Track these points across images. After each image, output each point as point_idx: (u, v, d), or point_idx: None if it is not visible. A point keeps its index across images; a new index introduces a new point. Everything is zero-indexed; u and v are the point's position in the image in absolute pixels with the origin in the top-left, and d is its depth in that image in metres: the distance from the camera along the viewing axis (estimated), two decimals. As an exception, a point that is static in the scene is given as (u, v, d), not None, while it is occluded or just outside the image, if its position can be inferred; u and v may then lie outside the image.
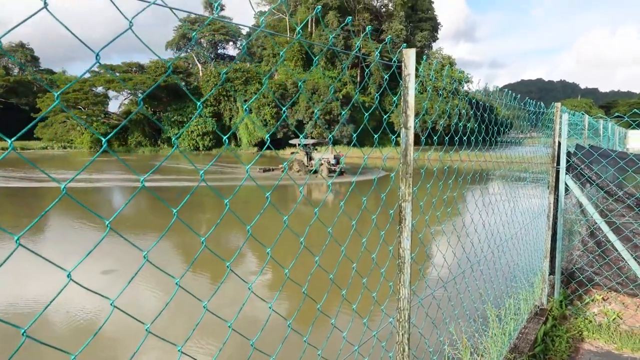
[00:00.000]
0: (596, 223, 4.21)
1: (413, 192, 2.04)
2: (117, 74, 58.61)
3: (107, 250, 12.10)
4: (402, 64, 2.03)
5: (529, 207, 4.48)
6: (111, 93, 58.71)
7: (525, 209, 4.31)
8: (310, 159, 28.17)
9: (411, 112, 2.02)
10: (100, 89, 57.10)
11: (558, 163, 4.27)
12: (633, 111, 4.21)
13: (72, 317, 7.56)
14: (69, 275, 1.04)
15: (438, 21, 73.17)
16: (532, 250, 5.11)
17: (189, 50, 75.02)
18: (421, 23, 69.93)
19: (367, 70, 34.71)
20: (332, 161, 27.50)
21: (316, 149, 30.00)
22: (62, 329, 7.14)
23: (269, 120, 54.61)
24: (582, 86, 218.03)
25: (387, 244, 2.35)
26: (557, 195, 4.27)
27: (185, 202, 1.49)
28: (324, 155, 27.91)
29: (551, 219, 4.23)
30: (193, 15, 71.44)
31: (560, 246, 4.36)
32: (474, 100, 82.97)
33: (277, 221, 15.28)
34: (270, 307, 1.61)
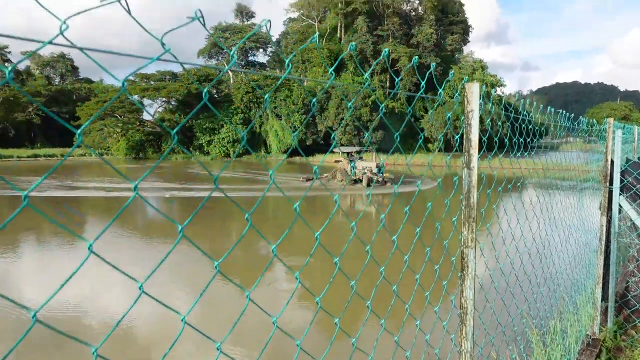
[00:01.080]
0: None
1: (476, 236, 1.91)
2: (152, 83, 60.31)
3: (134, 255, 12.37)
4: (465, 99, 1.92)
5: (569, 217, 4.28)
6: (146, 101, 60.45)
7: (564, 219, 4.11)
8: (353, 168, 26.88)
9: (475, 152, 1.90)
10: (136, 97, 58.93)
11: (611, 183, 3.93)
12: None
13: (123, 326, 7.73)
14: (141, 288, 1.08)
15: (469, 24, 72.05)
16: (575, 266, 4.88)
17: (220, 59, 76.50)
18: (452, 26, 69.02)
19: (397, 81, 34.37)
20: (375, 170, 26.10)
21: (361, 158, 28.45)
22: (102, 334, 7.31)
23: (299, 127, 54.98)
24: (622, 89, 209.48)
25: (440, 281, 2.24)
26: (611, 217, 3.94)
27: (190, 220, 1.45)
28: (368, 164, 26.38)
29: (604, 243, 3.92)
30: (224, 24, 72.97)
31: (614, 272, 4.06)
32: (506, 107, 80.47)
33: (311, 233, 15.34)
34: (298, 345, 1.52)
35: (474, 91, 1.85)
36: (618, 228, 3.96)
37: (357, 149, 29.05)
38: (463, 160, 1.94)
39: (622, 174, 3.94)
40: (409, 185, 25.57)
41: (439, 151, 63.19)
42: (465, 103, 1.90)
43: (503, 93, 78.46)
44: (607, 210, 3.96)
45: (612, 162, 3.94)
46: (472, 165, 1.89)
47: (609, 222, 3.95)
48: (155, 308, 8.21)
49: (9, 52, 79.59)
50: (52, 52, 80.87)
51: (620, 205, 3.91)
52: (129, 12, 0.94)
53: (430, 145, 65.09)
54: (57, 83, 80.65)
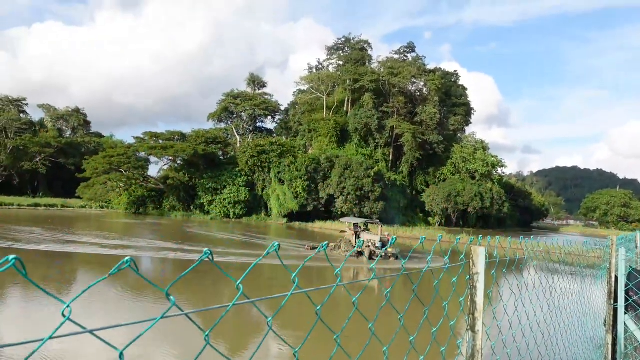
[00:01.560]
0: None
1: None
2: (161, 142, 61.74)
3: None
4: (471, 261, 1.92)
5: (570, 304, 4.22)
6: (152, 159, 61.58)
7: (567, 306, 4.05)
8: (358, 238, 25.48)
9: (479, 315, 1.84)
10: (142, 154, 60.08)
11: (616, 300, 3.88)
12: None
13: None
14: (121, 356, 1.07)
15: (471, 106, 74.86)
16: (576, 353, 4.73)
17: (229, 123, 78.84)
18: (455, 108, 71.67)
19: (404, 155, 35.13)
20: (378, 244, 24.32)
21: (367, 230, 27.11)
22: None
23: (301, 193, 55.36)
24: (621, 176, 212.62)
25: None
26: (616, 335, 3.87)
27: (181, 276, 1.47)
28: (372, 236, 25.02)
29: None
30: (236, 91, 75.94)
31: None
32: (506, 187, 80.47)
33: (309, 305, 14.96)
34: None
35: (479, 254, 1.89)
36: (624, 348, 3.85)
37: (363, 220, 28.03)
38: (467, 323, 1.87)
39: (627, 292, 3.89)
40: (413, 261, 24.81)
41: (439, 225, 63.08)
42: (471, 265, 1.90)
43: (503, 173, 79.72)
44: (612, 328, 3.89)
45: (617, 278, 3.93)
46: (476, 329, 1.83)
47: (614, 340, 3.87)
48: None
49: (26, 104, 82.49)
50: (67, 106, 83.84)
51: (625, 325, 3.83)
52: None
53: (430, 219, 65.10)
54: (68, 135, 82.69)
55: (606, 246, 3.97)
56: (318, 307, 1.56)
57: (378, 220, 28.79)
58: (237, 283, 1.24)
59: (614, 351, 3.88)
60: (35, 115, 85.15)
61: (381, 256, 23.60)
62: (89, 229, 33.36)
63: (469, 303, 1.84)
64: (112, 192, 59.47)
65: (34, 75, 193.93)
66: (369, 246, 23.86)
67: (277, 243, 1.31)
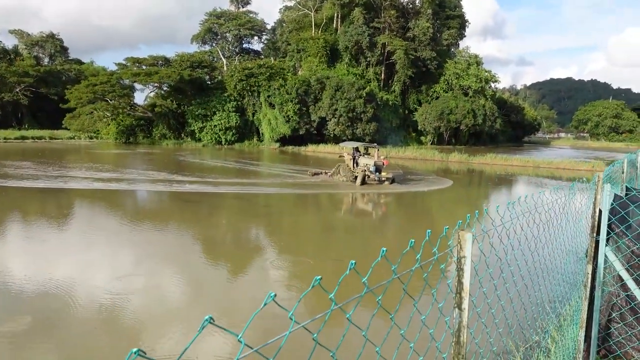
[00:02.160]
0: (638, 299, 4.03)
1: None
2: (144, 67, 59.40)
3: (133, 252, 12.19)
4: (458, 245, 1.99)
5: (555, 220, 4.19)
6: (137, 86, 59.61)
7: (549, 222, 4.02)
8: (356, 164, 24.51)
9: (466, 294, 2.00)
10: (126, 82, 58.02)
11: (598, 233, 4.06)
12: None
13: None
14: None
15: (466, 18, 71.79)
16: (559, 279, 4.83)
17: (214, 44, 75.54)
18: (448, 20, 68.71)
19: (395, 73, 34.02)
20: (372, 168, 23.52)
21: (368, 154, 25.87)
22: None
23: (292, 117, 54.56)
24: (614, 86, 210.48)
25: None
26: (596, 266, 4.10)
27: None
28: (370, 160, 24.07)
29: (588, 289, 4.09)
30: (219, 10, 71.97)
31: (598, 318, 4.23)
32: (499, 102, 79.99)
33: (303, 226, 14.91)
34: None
35: (467, 239, 1.98)
36: (603, 277, 4.13)
37: (362, 144, 26.87)
38: (455, 301, 2.03)
39: (609, 226, 4.07)
40: (409, 184, 24.76)
41: (431, 144, 63.26)
42: (458, 249, 2.00)
43: (497, 88, 78.57)
44: (593, 259, 4.12)
45: (600, 212, 4.04)
46: (463, 307, 2.02)
47: (594, 270, 4.13)
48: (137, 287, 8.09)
49: (-2, 31, 77.86)
50: (41, 31, 79.33)
51: (605, 256, 4.07)
52: None
53: (422, 138, 65.12)
54: (46, 63, 79.15)
55: (593, 182, 4.07)
56: (331, 295, 1.43)
57: (376, 144, 27.96)
58: (239, 337, 1.17)
59: (594, 279, 4.14)
60: (8, 42, 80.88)
61: (374, 180, 23.41)
62: (81, 162, 33.08)
63: (456, 284, 2.02)
64: (100, 122, 58.27)
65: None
66: (364, 171, 23.27)
67: (273, 294, 1.19)
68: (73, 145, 52.47)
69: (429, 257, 2.04)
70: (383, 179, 23.43)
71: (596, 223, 4.11)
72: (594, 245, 4.12)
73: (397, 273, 1.65)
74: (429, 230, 1.92)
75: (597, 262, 4.11)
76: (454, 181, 27.58)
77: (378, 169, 23.47)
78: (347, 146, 25.93)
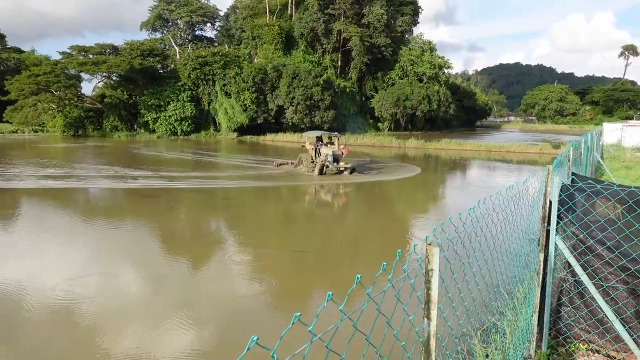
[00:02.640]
0: (584, 284, 4.36)
1: None
2: (91, 56, 56.62)
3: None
4: (426, 259, 2.09)
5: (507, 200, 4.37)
6: (84, 76, 56.78)
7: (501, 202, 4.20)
8: (318, 154, 23.84)
9: (434, 306, 2.12)
10: (72, 72, 55.11)
11: (549, 223, 4.34)
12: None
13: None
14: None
15: (419, 4, 72.76)
16: (514, 261, 5.07)
17: (165, 32, 73.03)
18: (402, 7, 69.40)
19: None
20: (330, 158, 22.96)
21: (332, 143, 25.03)
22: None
23: (249, 105, 53.78)
24: (559, 70, 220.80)
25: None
26: (547, 254, 4.37)
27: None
28: (329, 150, 23.46)
29: (541, 277, 4.36)
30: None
31: (549, 303, 4.55)
32: (452, 87, 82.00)
33: (263, 218, 14.76)
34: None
35: (434, 253, 2.09)
36: (553, 264, 4.42)
37: (326, 132, 26.23)
38: (423, 313, 2.13)
39: (559, 216, 4.36)
40: (370, 173, 23.98)
41: (388, 130, 64.20)
42: (427, 262, 2.10)
43: (450, 74, 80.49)
44: (545, 247, 4.37)
45: (550, 203, 4.31)
46: (431, 316, 2.13)
47: (546, 258, 4.38)
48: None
49: None
50: (-25, 19, 73.81)
51: (556, 244, 4.35)
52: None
53: (380, 124, 65.96)
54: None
55: (544, 175, 4.36)
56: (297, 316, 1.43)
57: (337, 133, 27.44)
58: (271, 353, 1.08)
59: (545, 266, 4.42)
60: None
61: (334, 171, 22.73)
62: (25, 157, 31.33)
63: (425, 296, 2.11)
64: (45, 115, 55.18)
65: None
66: (322, 161, 22.84)
67: (255, 338, 1.20)
68: (16, 139, 49.57)
69: (398, 269, 2.12)
70: (341, 168, 22.99)
71: (547, 214, 4.35)
72: (545, 234, 4.37)
73: (370, 294, 1.70)
74: (399, 250, 2.01)
75: (548, 250, 4.37)
76: (413, 167, 28.17)
77: (336, 159, 23.09)
78: (310, 135, 25.43)
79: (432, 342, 2.13)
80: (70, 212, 14.72)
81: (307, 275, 9.34)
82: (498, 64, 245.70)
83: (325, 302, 1.49)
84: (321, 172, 22.53)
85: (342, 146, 24.56)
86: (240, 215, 15.03)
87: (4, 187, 18.74)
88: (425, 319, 2.14)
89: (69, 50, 57.89)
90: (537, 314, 4.44)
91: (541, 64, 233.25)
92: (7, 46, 78.53)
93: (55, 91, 52.49)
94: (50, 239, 11.75)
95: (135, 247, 11.06)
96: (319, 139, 24.76)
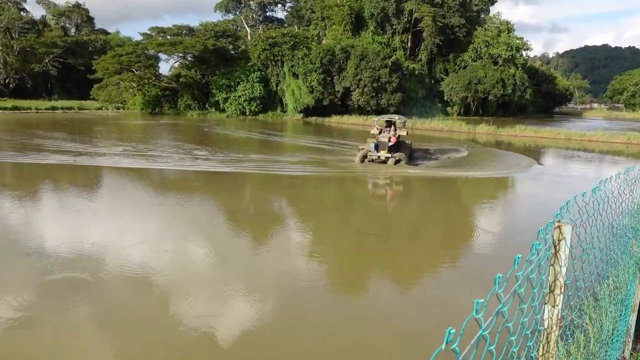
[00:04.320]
0: None
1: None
2: (168, 37, 59.38)
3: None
4: (553, 239, 1.76)
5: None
6: (162, 56, 59.78)
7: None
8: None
9: (560, 291, 1.81)
10: (151, 52, 58.20)
11: None
12: None
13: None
14: None
15: (497, -17, 68.63)
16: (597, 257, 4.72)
17: (237, 13, 74.73)
18: (479, -15, 65.90)
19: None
20: (371, 146, 20.78)
21: (404, 127, 22.78)
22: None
23: (316, 87, 54.00)
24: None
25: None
26: None
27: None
28: (385, 135, 20.97)
29: None
30: (242, -23, 70.78)
31: None
32: (530, 70, 76.84)
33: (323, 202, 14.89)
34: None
35: (566, 232, 1.74)
36: None
37: (387, 116, 23.45)
38: (545, 299, 1.80)
39: None
40: (421, 165, 21.24)
41: (457, 115, 61.89)
42: (556, 242, 1.77)
43: (528, 57, 75.59)
44: None
45: None
46: (556, 302, 1.82)
47: None
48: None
49: (25, 1, 78.79)
50: (67, 1, 79.81)
51: None
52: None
53: (449, 109, 63.69)
54: (72, 34, 79.98)
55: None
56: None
57: (398, 117, 23.28)
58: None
59: None
60: (36, 12, 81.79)
61: (372, 160, 19.96)
62: (108, 134, 33.68)
63: (550, 280, 1.84)
64: (126, 93, 58.95)
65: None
66: (363, 149, 20.97)
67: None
68: (100, 115, 53.47)
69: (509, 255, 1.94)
70: (382, 157, 20.44)
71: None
72: None
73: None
74: (541, 229, 1.77)
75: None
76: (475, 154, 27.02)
77: (376, 147, 20.70)
78: (382, 119, 22.97)
79: (555, 332, 1.92)
80: (147, 187, 15.74)
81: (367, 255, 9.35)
82: (583, 46, 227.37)
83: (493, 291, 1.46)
84: (363, 160, 20.61)
85: (392, 133, 21.56)
86: (298, 195, 15.29)
87: (90, 164, 20.33)
88: (548, 306, 1.89)
89: (149, 32, 61.14)
90: (636, 313, 4.14)
91: (633, 46, 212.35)
92: (95, 28, 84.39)
93: (136, 70, 55.80)
94: (130, 208, 12.65)
95: (204, 218, 11.63)
96: (390, 123, 22.43)
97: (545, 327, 1.88)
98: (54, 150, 22.56)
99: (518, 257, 1.50)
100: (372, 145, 20.79)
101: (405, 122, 23.32)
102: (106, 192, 14.79)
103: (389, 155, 20.38)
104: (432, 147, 27.89)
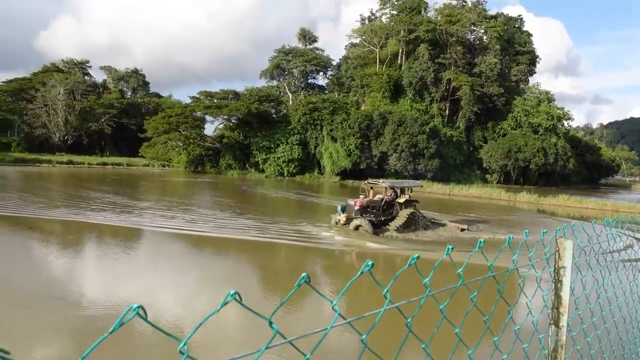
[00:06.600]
0: None
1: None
2: (215, 101, 62.88)
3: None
4: (556, 254, 1.76)
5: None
6: (208, 117, 63.07)
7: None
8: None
9: (565, 310, 1.74)
10: (199, 114, 61.59)
11: None
12: None
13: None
14: None
15: (536, 54, 69.74)
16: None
17: (281, 80, 78.65)
18: (517, 56, 67.14)
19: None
20: (338, 211, 19.59)
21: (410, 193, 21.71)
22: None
23: (354, 151, 54.89)
24: None
25: None
26: None
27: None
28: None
29: None
30: (287, 47, 75.23)
31: None
32: (572, 140, 75.34)
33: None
34: None
35: (566, 247, 1.73)
36: None
37: (390, 182, 22.11)
38: (550, 317, 1.76)
39: None
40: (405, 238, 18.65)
41: (497, 182, 60.78)
42: (557, 258, 1.76)
43: (570, 126, 74.59)
44: None
45: None
46: (561, 324, 1.73)
47: None
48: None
49: (90, 66, 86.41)
50: (127, 67, 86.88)
51: None
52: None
53: (487, 176, 62.79)
54: (129, 96, 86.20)
55: None
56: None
57: (406, 182, 22.45)
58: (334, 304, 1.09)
59: None
60: (98, 77, 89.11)
61: (337, 222, 18.55)
62: (152, 193, 34.91)
63: (552, 297, 1.76)
64: (172, 151, 61.92)
65: (95, 38, 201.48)
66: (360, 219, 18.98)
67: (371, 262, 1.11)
68: (147, 172, 55.98)
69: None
70: (342, 221, 19.27)
71: None
72: None
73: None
74: (527, 231, 1.76)
75: None
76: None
77: (343, 209, 19.42)
78: (384, 184, 21.33)
79: (561, 355, 1.75)
80: (185, 245, 16.03)
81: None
82: (628, 117, 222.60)
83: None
84: (357, 227, 18.79)
85: (379, 196, 20.25)
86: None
87: (137, 228, 20.99)
88: (553, 327, 1.77)
89: (197, 95, 65.06)
90: None
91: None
92: (150, 92, 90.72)
93: (183, 131, 58.88)
94: (168, 264, 12.85)
95: (240, 278, 11.62)
96: (393, 189, 21.15)
97: (550, 350, 1.75)
98: (98, 207, 23.58)
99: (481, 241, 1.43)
100: (339, 207, 19.69)
101: (407, 187, 22.01)
102: (148, 251, 15.13)
103: (357, 223, 18.67)
104: (442, 219, 23.44)
